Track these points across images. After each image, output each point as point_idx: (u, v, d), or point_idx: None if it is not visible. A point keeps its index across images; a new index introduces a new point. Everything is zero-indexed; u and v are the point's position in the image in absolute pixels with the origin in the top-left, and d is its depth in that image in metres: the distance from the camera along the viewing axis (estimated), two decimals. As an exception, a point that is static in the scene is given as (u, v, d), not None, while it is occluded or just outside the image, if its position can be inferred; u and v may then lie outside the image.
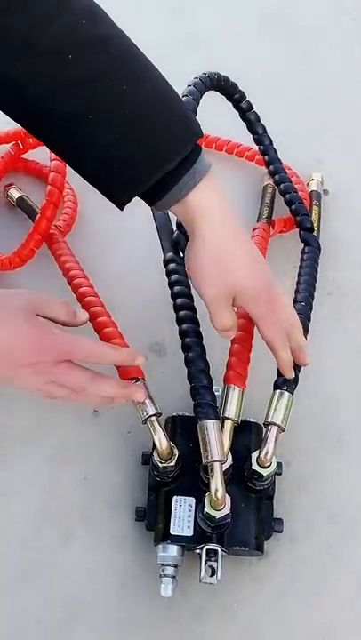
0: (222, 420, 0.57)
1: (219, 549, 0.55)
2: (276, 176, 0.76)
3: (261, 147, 0.78)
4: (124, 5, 0.91)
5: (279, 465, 0.63)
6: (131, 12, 0.91)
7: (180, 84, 0.68)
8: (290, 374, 0.58)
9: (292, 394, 0.58)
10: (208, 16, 1.04)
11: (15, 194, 0.80)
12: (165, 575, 0.56)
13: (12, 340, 0.51)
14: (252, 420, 0.63)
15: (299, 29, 1.04)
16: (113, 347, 0.58)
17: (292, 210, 0.74)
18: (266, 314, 0.56)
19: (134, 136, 0.50)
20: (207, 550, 0.55)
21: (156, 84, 0.52)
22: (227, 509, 0.54)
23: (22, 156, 0.83)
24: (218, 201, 0.55)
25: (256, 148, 0.79)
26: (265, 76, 0.97)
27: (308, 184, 0.83)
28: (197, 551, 0.56)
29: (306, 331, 0.63)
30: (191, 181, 0.53)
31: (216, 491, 0.53)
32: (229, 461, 0.57)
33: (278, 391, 0.58)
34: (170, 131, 0.52)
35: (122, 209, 0.55)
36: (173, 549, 0.56)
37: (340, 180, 0.87)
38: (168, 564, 0.56)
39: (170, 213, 0.70)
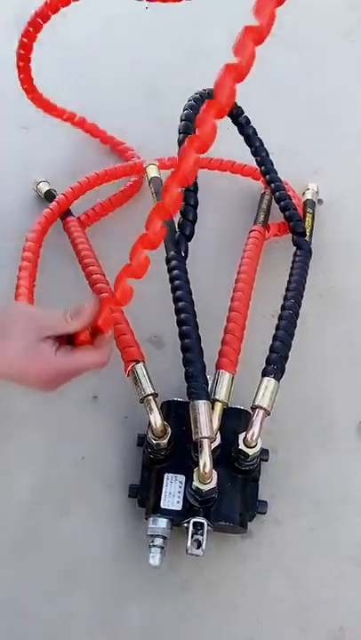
0: (213, 401, 0.61)
1: (205, 522, 0.59)
2: (272, 184, 0.81)
3: (258, 158, 0.83)
4: (130, 21, 0.97)
5: (265, 452, 0.67)
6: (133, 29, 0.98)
7: (181, 94, 0.73)
8: None
9: (279, 381, 0.62)
10: (211, 31, 1.09)
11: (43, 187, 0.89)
12: (154, 545, 0.60)
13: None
14: (241, 407, 0.67)
15: (298, 45, 1.10)
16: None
17: (286, 216, 0.79)
18: None
19: None
20: (194, 523, 0.59)
21: None
22: (213, 483, 0.58)
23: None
24: None
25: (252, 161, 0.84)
26: (264, 89, 1.02)
27: (303, 193, 0.88)
28: (185, 525, 0.60)
29: (294, 326, 0.67)
30: None
31: (204, 465, 0.57)
32: (218, 441, 0.61)
33: (266, 378, 0.62)
34: None
35: None
36: (163, 522, 0.60)
37: (336, 189, 0.92)
38: (157, 535, 0.60)
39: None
